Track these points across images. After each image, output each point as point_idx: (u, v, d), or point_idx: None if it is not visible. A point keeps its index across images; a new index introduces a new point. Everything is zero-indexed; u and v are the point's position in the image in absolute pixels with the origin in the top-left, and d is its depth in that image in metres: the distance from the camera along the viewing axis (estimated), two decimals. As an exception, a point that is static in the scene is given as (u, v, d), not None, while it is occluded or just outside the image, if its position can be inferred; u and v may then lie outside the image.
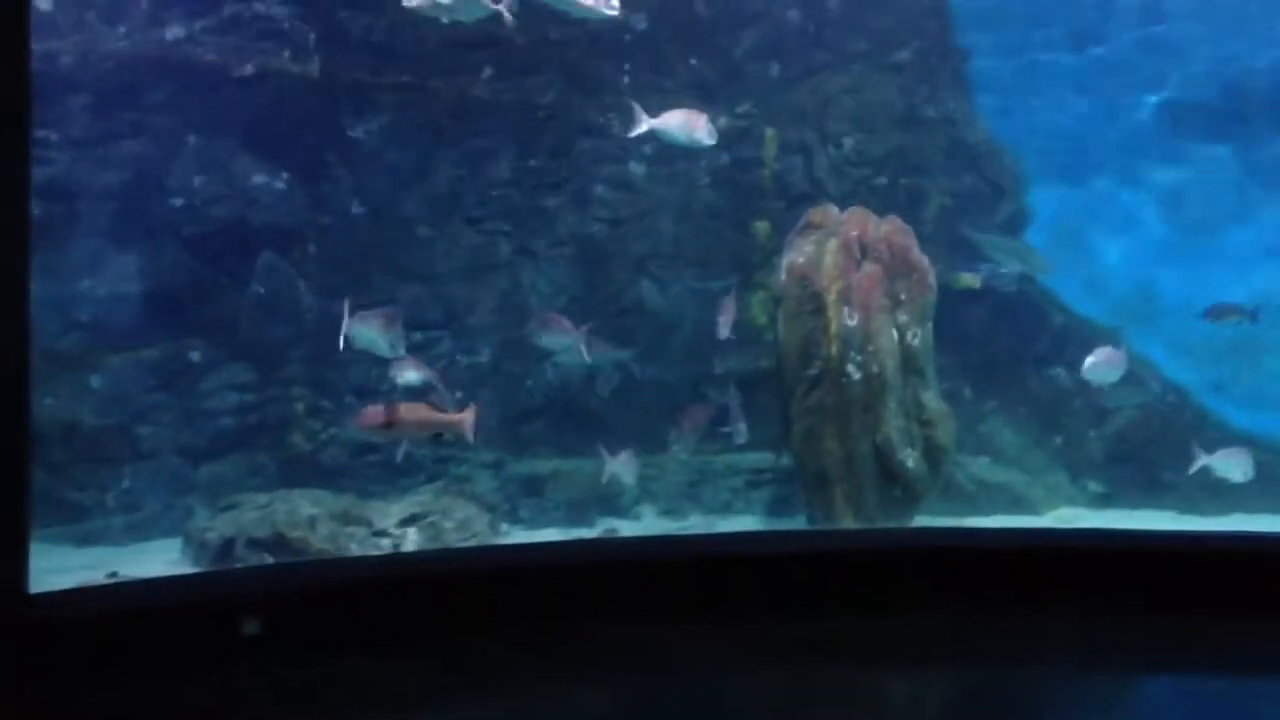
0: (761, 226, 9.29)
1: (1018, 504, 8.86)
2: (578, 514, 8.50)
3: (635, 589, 6.07)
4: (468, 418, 6.66)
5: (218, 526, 7.35)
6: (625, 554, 6.99)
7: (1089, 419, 9.37)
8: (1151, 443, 9.18)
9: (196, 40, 8.20)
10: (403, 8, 7.13)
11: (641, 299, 9.17)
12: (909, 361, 8.15)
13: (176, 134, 8.15)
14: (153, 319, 8.02)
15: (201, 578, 6.80)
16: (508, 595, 5.96)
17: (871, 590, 6.18)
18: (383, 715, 4.93)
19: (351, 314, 6.97)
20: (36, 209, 5.17)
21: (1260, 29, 9.61)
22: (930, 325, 8.30)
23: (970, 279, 9.36)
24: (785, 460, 8.43)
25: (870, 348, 7.95)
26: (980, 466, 9.04)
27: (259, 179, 8.33)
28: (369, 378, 8.13)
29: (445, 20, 7.24)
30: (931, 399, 8.27)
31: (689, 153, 8.75)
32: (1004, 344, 9.49)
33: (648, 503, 8.77)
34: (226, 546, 7.20)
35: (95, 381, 7.85)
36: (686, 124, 7.80)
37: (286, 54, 8.38)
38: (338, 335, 6.96)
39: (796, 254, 8.25)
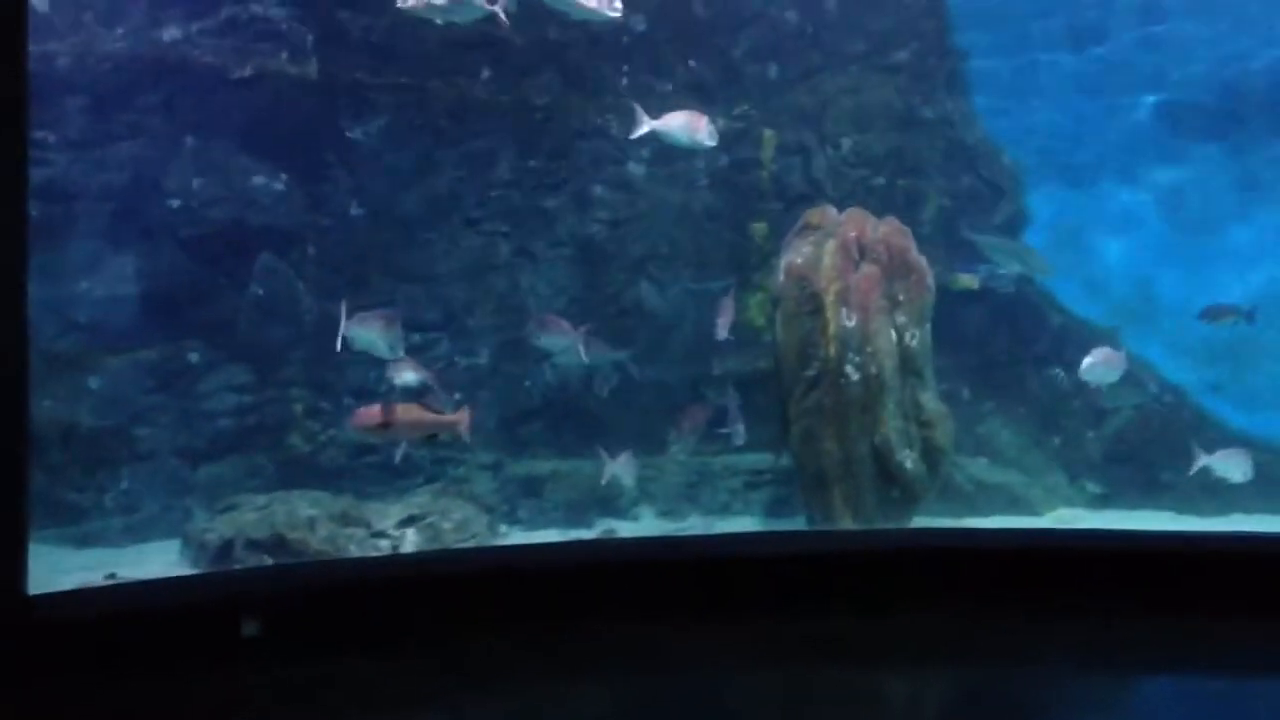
0: (760, 227, 9.30)
1: (1016, 505, 8.86)
2: (576, 515, 8.50)
3: (635, 589, 6.08)
4: (463, 418, 6.67)
5: (217, 528, 7.35)
6: (624, 554, 6.99)
7: (1087, 420, 9.37)
8: (1150, 443, 9.19)
9: (194, 42, 8.20)
10: (400, 9, 7.13)
11: (640, 300, 9.17)
12: (907, 362, 8.14)
13: (174, 135, 8.13)
14: (151, 320, 8.01)
15: (200, 579, 6.80)
16: (507, 596, 5.97)
17: (871, 591, 6.19)
18: (382, 715, 4.93)
19: (350, 315, 6.96)
20: (34, 210, 5.17)
21: (1260, 29, 9.62)
22: (929, 326, 8.30)
23: (969, 280, 9.36)
24: (784, 461, 8.43)
25: (868, 349, 7.95)
26: (979, 467, 9.05)
27: (257, 180, 8.32)
28: (368, 379, 8.11)
29: (440, 22, 7.23)
30: (930, 400, 8.26)
31: (687, 154, 8.76)
32: (1002, 345, 9.50)
33: (646, 504, 8.77)
34: (225, 548, 7.20)
35: (94, 383, 7.84)
36: (688, 125, 7.80)
37: (285, 55, 8.37)
38: (336, 336, 6.95)
39: (795, 255, 8.24)
